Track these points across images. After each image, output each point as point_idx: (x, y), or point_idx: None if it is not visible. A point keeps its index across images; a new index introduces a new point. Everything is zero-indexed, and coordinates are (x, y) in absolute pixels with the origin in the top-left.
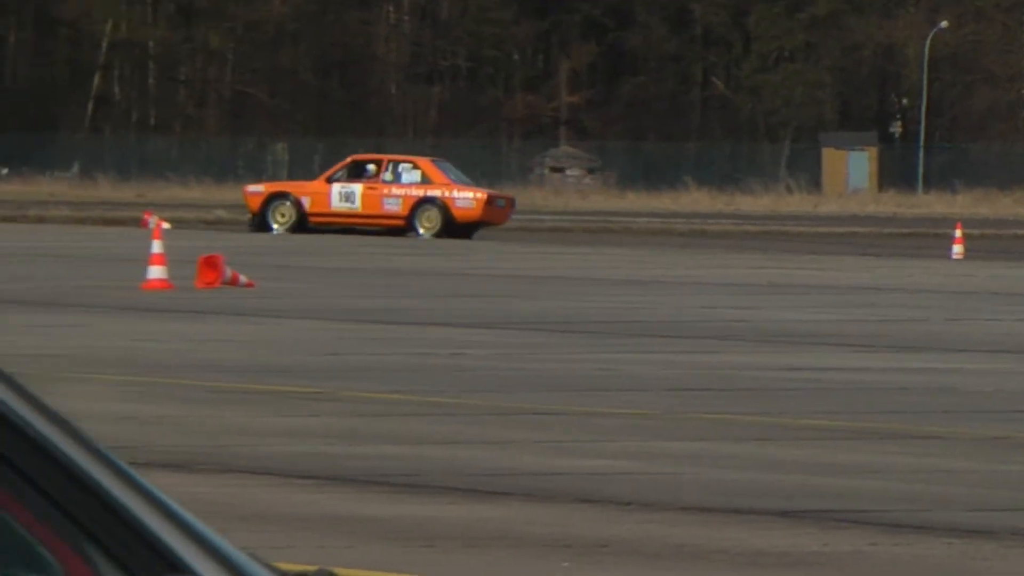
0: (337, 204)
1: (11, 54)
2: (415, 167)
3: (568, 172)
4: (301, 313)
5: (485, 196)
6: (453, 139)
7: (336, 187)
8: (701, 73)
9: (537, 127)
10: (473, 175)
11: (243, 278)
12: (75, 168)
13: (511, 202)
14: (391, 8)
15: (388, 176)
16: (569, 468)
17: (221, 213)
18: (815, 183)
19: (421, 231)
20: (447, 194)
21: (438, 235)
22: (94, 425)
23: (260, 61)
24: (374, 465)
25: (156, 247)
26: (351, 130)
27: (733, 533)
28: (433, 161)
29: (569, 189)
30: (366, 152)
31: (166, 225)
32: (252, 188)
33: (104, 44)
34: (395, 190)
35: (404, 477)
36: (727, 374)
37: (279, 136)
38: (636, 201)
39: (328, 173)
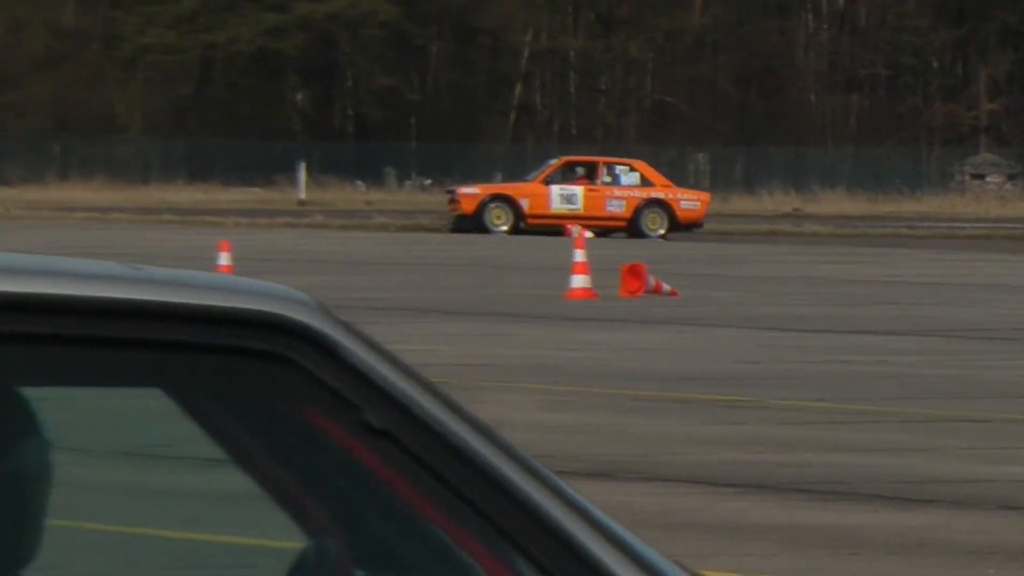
0: (557, 205)
1: (433, 64)
2: (632, 169)
3: (988, 179)
4: (724, 321)
5: (707, 197)
6: (872, 147)
7: (555, 189)
8: None
9: (956, 134)
10: (892, 182)
11: (666, 287)
12: (498, 178)
13: None
14: (810, 17)
15: (607, 178)
16: (994, 475)
17: None
18: None
19: (660, 234)
20: (672, 196)
21: (663, 236)
22: (519, 434)
23: (680, 71)
24: (798, 473)
25: (579, 256)
26: (770, 139)
27: None
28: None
29: (989, 196)
30: (789, 163)
31: (588, 234)
32: (466, 190)
33: (525, 54)
34: (617, 192)
35: (828, 485)
36: None
37: (699, 146)
38: None
39: (542, 175)
